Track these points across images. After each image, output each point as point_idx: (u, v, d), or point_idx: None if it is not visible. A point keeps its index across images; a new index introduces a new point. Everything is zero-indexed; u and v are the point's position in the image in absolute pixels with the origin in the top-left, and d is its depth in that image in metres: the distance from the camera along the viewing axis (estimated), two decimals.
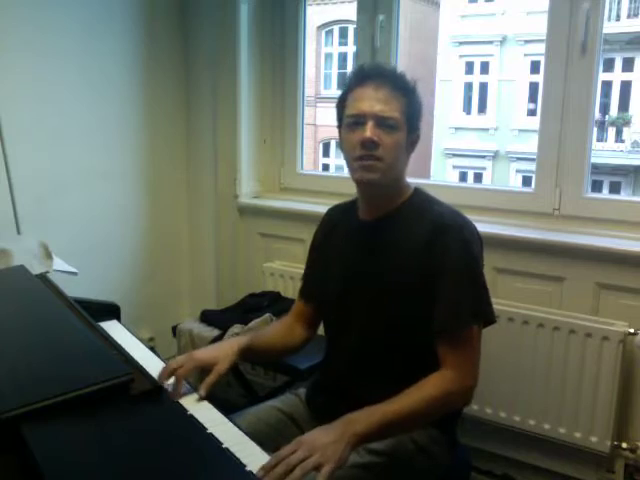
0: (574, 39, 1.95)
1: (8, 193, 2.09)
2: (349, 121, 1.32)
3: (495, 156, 11.29)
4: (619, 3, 9.56)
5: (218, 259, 2.79)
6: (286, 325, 1.57)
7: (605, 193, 9.18)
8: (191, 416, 1.10)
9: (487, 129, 11.39)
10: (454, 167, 11.79)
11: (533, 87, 10.35)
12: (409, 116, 1.32)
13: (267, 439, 1.23)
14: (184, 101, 2.75)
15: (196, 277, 2.89)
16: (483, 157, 11.39)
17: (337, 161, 10.77)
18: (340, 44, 11.71)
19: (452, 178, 11.38)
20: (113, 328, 1.55)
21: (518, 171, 10.83)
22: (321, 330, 2.17)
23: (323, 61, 11.78)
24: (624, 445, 1.89)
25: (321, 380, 1.51)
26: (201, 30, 2.65)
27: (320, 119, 10.27)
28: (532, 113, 10.32)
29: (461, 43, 11.54)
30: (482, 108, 11.57)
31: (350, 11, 7.77)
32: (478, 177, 11.49)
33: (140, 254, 2.70)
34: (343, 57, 11.70)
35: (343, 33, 11.60)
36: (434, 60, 11.25)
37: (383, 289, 1.34)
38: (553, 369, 1.92)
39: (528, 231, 2.03)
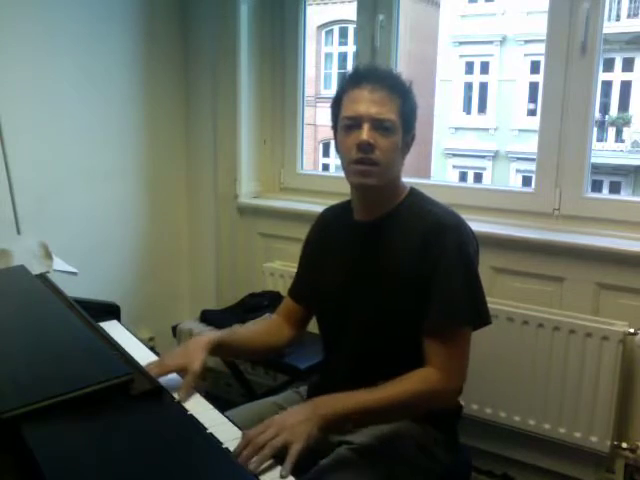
0: (574, 39, 1.95)
1: (8, 193, 2.09)
2: (345, 123, 1.32)
3: (495, 156, 11.29)
4: (619, 3, 9.56)
5: (218, 259, 2.79)
6: (272, 324, 1.57)
7: (605, 193, 9.18)
8: (191, 416, 1.10)
9: (487, 129, 11.39)
10: (454, 167, 11.79)
11: (533, 87, 10.35)
12: (405, 117, 1.31)
13: None
14: (184, 101, 2.75)
15: (196, 277, 2.89)
16: (483, 157, 11.39)
17: (337, 161, 10.66)
18: (340, 44, 11.71)
19: (452, 178, 11.39)
20: (113, 328, 1.55)
21: (518, 171, 10.84)
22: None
23: (323, 61, 11.78)
24: (624, 445, 1.89)
25: (321, 381, 1.51)
26: (201, 30, 2.65)
27: (320, 119, 10.26)
28: (532, 113, 10.31)
29: (461, 43, 11.54)
30: (482, 108, 11.57)
31: (350, 11, 7.78)
32: (478, 177, 11.49)
33: (140, 254, 2.70)
34: (343, 57, 11.70)
35: (343, 33, 11.60)
36: (434, 60, 11.25)
37: (380, 290, 1.33)
38: (553, 369, 1.92)
39: (528, 231, 2.03)
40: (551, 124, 2.03)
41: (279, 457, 1.03)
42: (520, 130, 10.72)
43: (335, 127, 1.38)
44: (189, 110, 2.76)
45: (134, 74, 2.56)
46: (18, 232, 2.10)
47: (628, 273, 1.86)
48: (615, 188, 10.14)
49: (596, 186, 9.43)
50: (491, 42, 11.19)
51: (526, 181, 10.11)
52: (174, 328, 2.39)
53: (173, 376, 1.28)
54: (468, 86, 11.74)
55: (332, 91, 1.42)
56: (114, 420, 1.03)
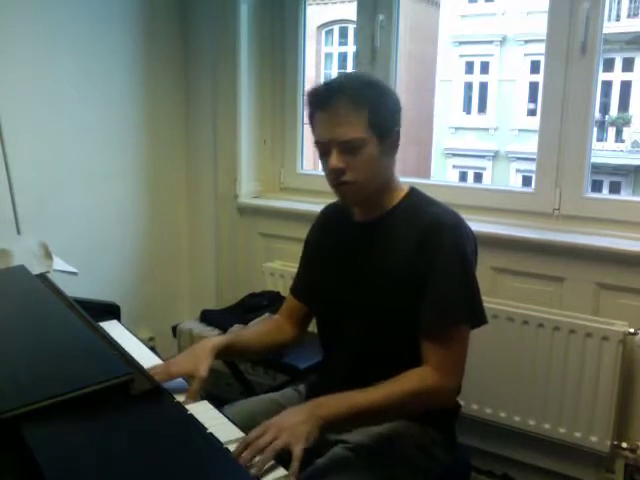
0: (574, 39, 1.95)
1: (8, 193, 2.09)
2: (317, 148, 1.32)
3: (495, 156, 11.28)
4: (619, 3, 9.55)
5: (218, 259, 2.79)
6: (275, 323, 1.57)
7: (605, 193, 9.17)
8: (191, 416, 1.10)
9: (487, 129, 11.39)
10: (454, 167, 11.78)
11: (533, 87, 10.34)
12: (377, 125, 1.27)
13: None
14: (184, 101, 2.75)
15: (196, 277, 2.89)
16: (483, 157, 11.38)
17: None
18: (340, 44, 11.71)
19: (452, 178, 11.38)
20: (113, 328, 1.55)
21: (518, 171, 10.83)
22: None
23: (323, 61, 11.77)
24: (624, 445, 1.89)
25: (319, 380, 1.51)
26: (201, 30, 2.65)
27: None
28: (532, 113, 10.31)
29: (461, 43, 11.54)
30: (482, 108, 11.57)
31: (350, 11, 7.77)
32: (478, 177, 11.49)
33: (140, 254, 2.70)
34: (343, 57, 11.70)
35: (343, 33, 11.60)
36: (434, 60, 11.24)
37: (377, 289, 1.33)
38: (553, 369, 1.92)
39: (528, 231, 2.03)
40: (551, 124, 2.03)
41: (280, 458, 1.03)
42: (520, 130, 10.72)
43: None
44: (189, 110, 2.76)
45: (134, 74, 2.56)
46: (18, 232, 2.10)
47: (628, 273, 1.86)
48: (615, 188, 10.14)
49: (596, 186, 9.42)
50: (491, 42, 11.18)
51: (526, 181, 10.11)
52: (174, 328, 2.39)
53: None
54: (468, 86, 11.74)
55: None
56: (114, 420, 1.03)
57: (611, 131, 10.22)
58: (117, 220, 2.58)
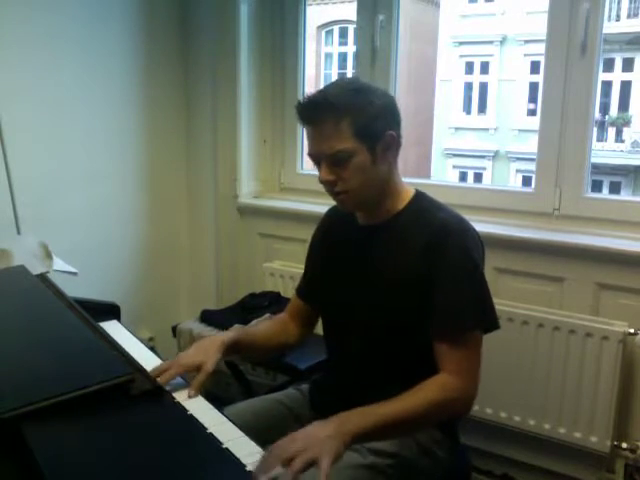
0: (574, 39, 1.95)
1: (8, 193, 2.09)
2: (310, 158, 1.33)
3: (495, 156, 11.29)
4: (619, 3, 9.55)
5: (218, 259, 2.79)
6: (281, 322, 1.57)
7: (605, 193, 9.18)
8: (191, 416, 1.10)
9: (487, 129, 11.39)
10: (454, 167, 11.78)
11: (533, 87, 10.34)
12: (363, 132, 1.25)
13: (267, 432, 1.23)
14: (184, 101, 2.74)
15: (196, 277, 2.89)
16: (483, 157, 11.39)
17: None
18: (340, 44, 11.71)
19: (452, 178, 11.38)
20: (113, 328, 1.55)
21: (518, 171, 10.83)
22: (319, 329, 2.15)
23: (323, 61, 11.78)
24: (624, 445, 1.89)
25: (324, 381, 1.51)
26: (201, 30, 2.65)
27: None
28: (532, 113, 10.31)
29: (461, 43, 11.54)
30: (482, 108, 11.57)
31: (350, 11, 7.76)
32: (478, 177, 11.49)
33: (140, 254, 2.70)
34: (343, 57, 11.70)
35: (343, 33, 11.60)
36: (434, 60, 11.25)
37: (383, 291, 1.33)
38: (553, 369, 1.92)
39: (528, 231, 2.03)
40: (551, 124, 2.03)
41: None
42: (520, 130, 10.72)
43: None
44: (189, 110, 2.75)
45: (134, 74, 2.56)
46: (18, 232, 2.10)
47: (628, 273, 1.86)
48: (615, 188, 10.14)
49: (596, 186, 9.42)
50: (491, 42, 11.18)
51: (526, 181, 10.11)
52: (174, 328, 2.39)
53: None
54: (468, 86, 11.74)
55: None
56: (114, 420, 1.03)
57: (611, 131, 10.22)
58: (117, 220, 2.58)
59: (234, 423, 1.12)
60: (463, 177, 11.63)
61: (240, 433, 1.09)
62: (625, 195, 8.30)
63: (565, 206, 2.04)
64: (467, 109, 11.79)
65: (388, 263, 1.33)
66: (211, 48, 2.63)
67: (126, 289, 2.57)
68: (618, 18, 9.62)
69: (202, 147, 2.74)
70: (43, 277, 1.73)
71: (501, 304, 1.97)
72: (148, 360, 1.32)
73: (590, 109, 1.98)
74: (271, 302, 2.37)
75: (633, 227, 1.93)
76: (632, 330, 1.83)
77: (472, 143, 11.40)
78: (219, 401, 1.21)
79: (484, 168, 11.42)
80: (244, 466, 0.96)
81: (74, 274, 1.91)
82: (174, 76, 2.70)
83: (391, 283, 1.32)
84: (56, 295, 1.54)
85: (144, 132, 2.63)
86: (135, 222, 2.66)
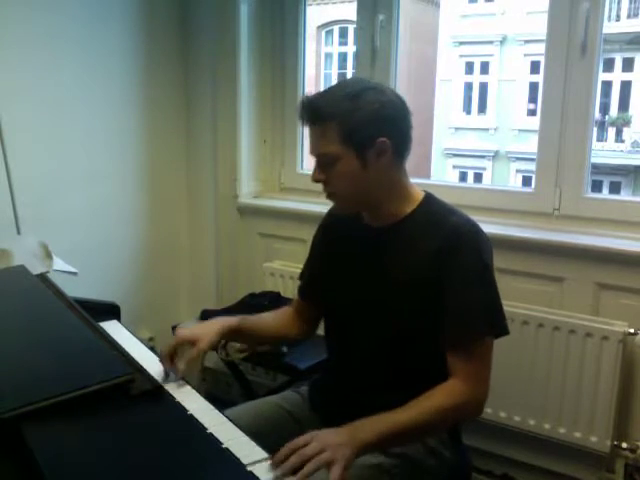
0: (574, 39, 1.95)
1: (8, 193, 2.09)
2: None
3: (495, 156, 11.28)
4: (619, 3, 9.55)
5: (218, 259, 2.79)
6: (286, 315, 1.58)
7: (605, 193, 9.17)
8: (191, 416, 1.10)
9: (487, 129, 11.38)
10: (454, 167, 11.78)
11: (533, 87, 10.34)
12: (350, 136, 1.24)
13: (267, 435, 1.23)
14: (184, 101, 2.74)
15: (196, 277, 2.89)
16: (483, 157, 11.38)
17: None
18: (340, 44, 11.71)
19: (452, 178, 11.37)
20: (113, 328, 1.55)
21: (518, 171, 10.83)
22: (322, 330, 2.15)
23: (323, 61, 11.77)
24: (624, 445, 1.89)
25: (324, 381, 1.51)
26: (201, 30, 2.65)
27: None
28: (532, 113, 10.30)
29: (461, 43, 11.53)
30: (482, 108, 11.56)
31: (350, 11, 7.76)
32: (478, 177, 11.48)
33: (140, 254, 2.70)
34: (343, 57, 11.70)
35: (343, 33, 11.60)
36: (434, 60, 11.24)
37: (390, 293, 1.32)
38: (553, 369, 1.92)
39: (528, 231, 2.03)
40: (551, 124, 2.03)
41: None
42: (520, 130, 10.71)
43: None
44: (189, 110, 2.75)
45: (134, 74, 2.56)
46: (18, 232, 2.10)
47: (628, 273, 1.86)
48: (615, 188, 10.14)
49: (596, 186, 9.42)
50: (491, 42, 11.18)
51: (526, 181, 10.10)
52: (174, 328, 2.38)
53: (171, 375, 1.29)
54: (468, 86, 11.74)
55: None
56: (114, 420, 1.03)
57: (611, 131, 10.22)
58: (117, 220, 2.58)
59: (234, 424, 1.12)
60: (463, 177, 11.62)
61: (240, 433, 1.09)
62: (625, 195, 8.29)
63: (565, 206, 2.04)
64: (467, 109, 11.79)
65: (396, 264, 1.32)
66: (211, 48, 2.63)
67: (126, 289, 2.57)
68: (618, 18, 9.61)
69: (202, 147, 2.74)
70: (43, 277, 1.73)
71: None
72: (148, 360, 1.32)
73: (590, 109, 1.98)
74: (271, 302, 2.37)
75: (633, 227, 1.93)
76: (632, 330, 1.83)
77: (472, 143, 11.39)
78: (219, 403, 1.21)
79: (484, 168, 11.42)
80: (244, 466, 0.96)
81: (74, 274, 1.91)
82: (174, 76, 2.70)
83: (398, 284, 1.31)
84: (56, 295, 1.54)
85: (144, 132, 2.63)
86: (135, 222, 2.66)
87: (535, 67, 10.11)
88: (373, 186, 1.31)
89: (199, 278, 2.87)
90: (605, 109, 10.06)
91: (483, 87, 11.52)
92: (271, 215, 2.62)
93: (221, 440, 1.02)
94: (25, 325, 1.37)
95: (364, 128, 1.25)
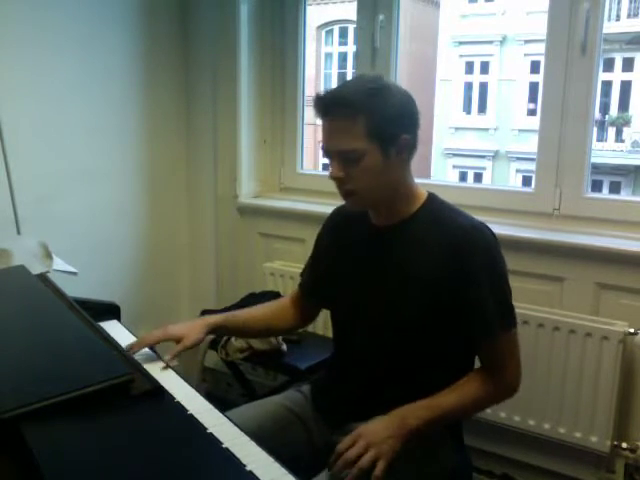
0: (574, 39, 1.95)
1: (8, 193, 2.09)
2: (322, 152, 1.32)
3: (495, 156, 11.28)
4: (619, 3, 9.55)
5: (218, 259, 2.79)
6: (280, 306, 1.59)
7: (605, 193, 9.17)
8: (191, 416, 1.10)
9: (487, 129, 11.39)
10: (454, 167, 11.78)
11: (533, 87, 10.34)
12: (378, 131, 1.23)
13: (273, 435, 1.23)
14: (184, 101, 2.74)
15: (196, 277, 2.89)
16: (483, 157, 11.38)
17: None
18: (340, 44, 11.71)
19: (452, 178, 11.37)
20: (113, 328, 1.55)
21: (518, 171, 10.83)
22: (322, 330, 2.16)
23: (323, 61, 11.77)
24: (624, 445, 1.89)
25: (327, 380, 1.50)
26: (201, 30, 2.65)
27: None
28: (532, 113, 10.31)
29: (461, 43, 11.54)
30: (482, 108, 11.57)
31: (350, 11, 7.77)
32: (478, 177, 11.49)
33: (140, 254, 2.70)
34: (343, 57, 11.70)
35: (343, 33, 11.60)
36: (434, 60, 11.24)
37: (397, 292, 1.32)
38: (553, 369, 1.92)
39: (528, 231, 2.03)
40: (551, 124, 2.03)
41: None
42: (520, 130, 10.72)
43: None
44: (189, 110, 2.75)
45: (134, 74, 2.56)
46: (18, 232, 2.10)
47: (628, 273, 1.86)
48: (615, 188, 10.14)
49: (596, 186, 9.42)
50: (491, 42, 11.18)
51: (526, 181, 10.11)
52: None
53: (172, 374, 1.30)
54: (468, 86, 11.74)
55: None
56: (114, 420, 1.03)
57: (611, 131, 10.22)
58: (117, 220, 2.58)
59: (235, 424, 1.12)
60: (463, 177, 11.62)
61: (240, 433, 1.08)
62: (625, 195, 8.29)
63: (565, 206, 2.04)
64: (467, 109, 11.79)
65: (404, 263, 1.32)
66: (211, 48, 2.63)
67: (126, 289, 2.57)
68: (618, 18, 9.62)
69: (202, 147, 2.74)
70: (43, 277, 1.73)
71: None
72: (148, 360, 1.32)
73: (590, 109, 1.98)
74: None
75: (633, 227, 1.92)
76: (632, 330, 1.83)
77: (472, 143, 11.39)
78: (219, 403, 1.21)
79: (484, 168, 11.42)
80: (244, 466, 0.96)
81: (74, 274, 1.91)
82: (174, 76, 2.70)
83: (406, 282, 1.31)
84: (56, 295, 1.54)
85: (144, 132, 2.63)
86: (135, 222, 2.66)
87: (535, 67, 10.12)
88: (391, 183, 1.31)
89: (199, 278, 2.87)
90: (605, 109, 10.06)
91: (483, 87, 11.52)
92: (271, 215, 2.62)
93: (221, 440, 1.02)
94: (25, 325, 1.37)
95: (392, 124, 1.25)
